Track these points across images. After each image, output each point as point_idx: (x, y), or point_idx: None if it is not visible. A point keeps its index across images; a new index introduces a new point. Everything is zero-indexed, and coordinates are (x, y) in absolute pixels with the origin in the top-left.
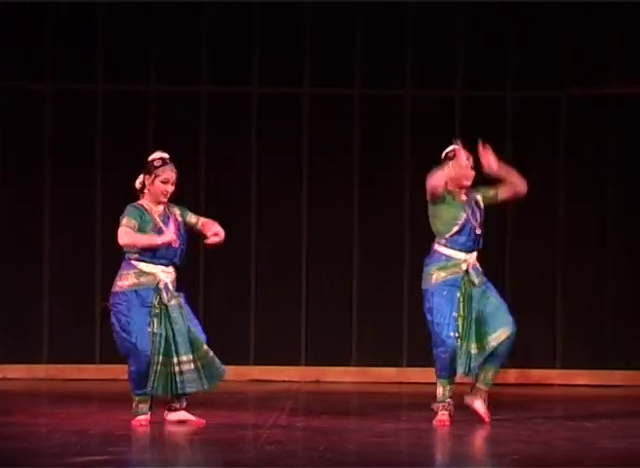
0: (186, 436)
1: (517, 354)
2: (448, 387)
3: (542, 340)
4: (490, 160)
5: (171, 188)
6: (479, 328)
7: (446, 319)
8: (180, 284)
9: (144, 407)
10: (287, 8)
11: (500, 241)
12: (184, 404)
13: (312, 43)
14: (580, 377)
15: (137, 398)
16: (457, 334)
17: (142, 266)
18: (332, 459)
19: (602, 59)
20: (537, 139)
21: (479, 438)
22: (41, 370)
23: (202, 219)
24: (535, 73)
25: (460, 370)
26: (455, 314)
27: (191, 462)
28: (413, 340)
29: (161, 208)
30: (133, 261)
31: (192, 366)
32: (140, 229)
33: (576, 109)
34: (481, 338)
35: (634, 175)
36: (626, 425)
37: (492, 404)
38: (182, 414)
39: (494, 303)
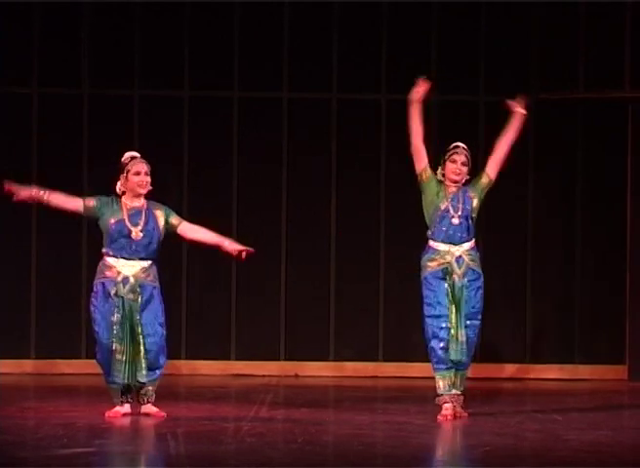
0: (169, 428)
1: (490, 349)
2: (447, 379)
3: (514, 336)
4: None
5: (145, 178)
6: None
7: (436, 310)
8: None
9: (117, 395)
10: (268, 13)
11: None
12: (150, 395)
13: (291, 48)
14: (549, 372)
15: (108, 386)
16: (448, 325)
17: (108, 260)
18: (310, 451)
19: (570, 64)
20: None
21: (452, 430)
22: (29, 365)
23: (185, 223)
24: (504, 77)
25: (452, 355)
26: (445, 305)
27: (173, 454)
28: (389, 336)
29: (138, 203)
30: (104, 256)
31: (123, 357)
32: (100, 210)
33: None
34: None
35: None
36: (593, 418)
37: (465, 397)
38: (147, 407)
39: (463, 305)
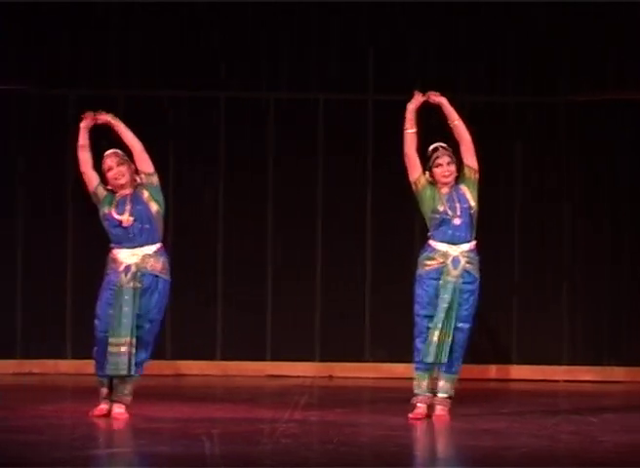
0: (204, 429)
1: (524, 351)
2: (426, 380)
3: (549, 338)
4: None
5: (117, 170)
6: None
7: (425, 310)
8: (198, 282)
9: (104, 390)
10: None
11: (509, 238)
12: (126, 395)
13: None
14: (585, 374)
15: (98, 381)
16: (438, 325)
17: (113, 252)
18: (345, 451)
19: (600, 65)
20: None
21: (487, 432)
22: (65, 365)
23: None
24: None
25: (429, 358)
26: (435, 305)
27: (209, 455)
28: None
29: (127, 192)
30: (111, 249)
31: (127, 349)
32: (102, 203)
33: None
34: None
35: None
36: (629, 420)
37: (499, 399)
38: (115, 408)
39: (454, 306)
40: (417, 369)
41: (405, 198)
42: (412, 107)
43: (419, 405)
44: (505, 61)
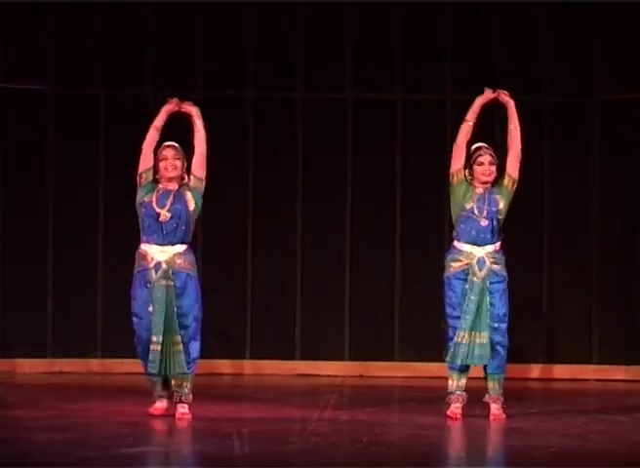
0: (234, 428)
1: (554, 350)
2: (457, 378)
3: (579, 337)
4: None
5: (172, 163)
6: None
7: (455, 311)
8: (228, 282)
9: (156, 389)
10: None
11: (538, 239)
12: (186, 394)
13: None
14: (615, 373)
15: (147, 379)
16: (463, 326)
17: (142, 247)
18: (375, 451)
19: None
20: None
21: (517, 431)
22: (95, 364)
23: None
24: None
25: (457, 359)
26: (463, 306)
27: (238, 454)
28: None
29: (171, 187)
30: (140, 244)
31: (159, 348)
32: (143, 187)
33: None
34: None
35: None
36: None
37: (528, 398)
38: (179, 408)
39: (484, 307)
40: (450, 368)
41: (434, 197)
42: (479, 101)
43: (454, 405)
44: (540, 61)
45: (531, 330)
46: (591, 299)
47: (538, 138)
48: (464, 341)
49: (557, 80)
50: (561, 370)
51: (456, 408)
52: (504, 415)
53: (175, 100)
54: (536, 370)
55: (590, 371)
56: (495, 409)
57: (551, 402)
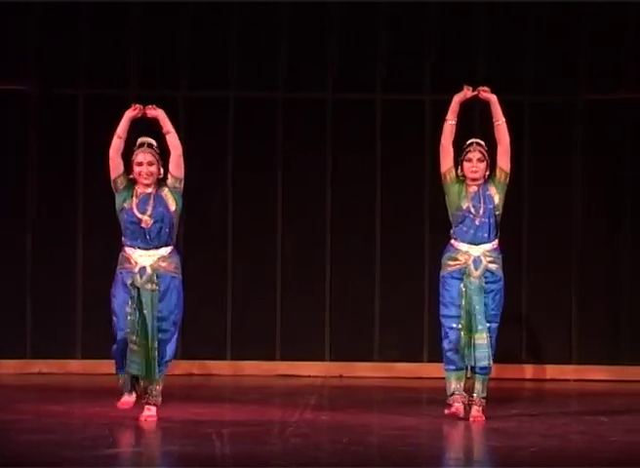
0: (214, 429)
1: (534, 350)
2: (455, 380)
3: (558, 337)
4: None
5: (146, 169)
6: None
7: (449, 310)
8: (208, 283)
9: (126, 384)
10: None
11: (516, 239)
12: (155, 396)
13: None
14: (596, 373)
15: (118, 377)
16: (459, 326)
17: (126, 250)
18: (355, 451)
19: (616, 64)
20: (555, 141)
21: (497, 432)
22: (75, 365)
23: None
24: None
25: (466, 360)
26: (458, 306)
27: (219, 454)
28: (433, 336)
29: (150, 190)
30: (123, 246)
31: (138, 349)
32: (120, 194)
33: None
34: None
35: None
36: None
37: (510, 399)
38: (147, 410)
39: (481, 306)
40: (446, 370)
41: (415, 197)
42: (457, 99)
43: (455, 404)
44: (524, 61)
45: (511, 330)
46: (571, 300)
47: (520, 138)
48: (462, 343)
49: (541, 80)
50: (541, 371)
51: (458, 406)
52: (484, 418)
53: (138, 106)
54: (516, 371)
55: (570, 372)
56: (475, 410)
57: (532, 402)
